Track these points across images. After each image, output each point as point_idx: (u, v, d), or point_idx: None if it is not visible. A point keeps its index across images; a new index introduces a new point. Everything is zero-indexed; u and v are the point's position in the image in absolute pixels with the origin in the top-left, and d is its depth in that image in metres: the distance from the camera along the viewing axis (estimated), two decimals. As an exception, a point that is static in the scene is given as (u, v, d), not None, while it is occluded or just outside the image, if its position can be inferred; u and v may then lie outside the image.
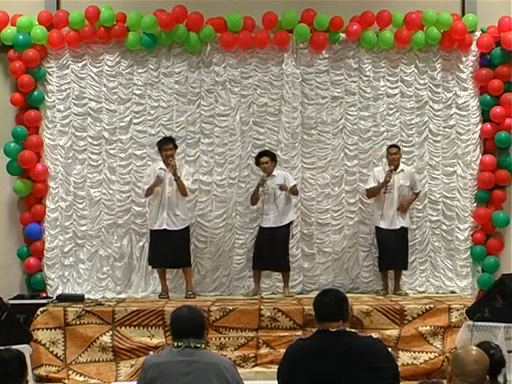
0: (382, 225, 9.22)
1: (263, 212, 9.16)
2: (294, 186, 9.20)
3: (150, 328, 8.04)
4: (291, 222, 9.23)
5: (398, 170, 9.24)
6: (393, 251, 9.14)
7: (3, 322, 7.01)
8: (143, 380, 4.25)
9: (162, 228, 8.96)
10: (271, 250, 9.01)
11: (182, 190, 8.99)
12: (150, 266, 9.53)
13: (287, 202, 9.16)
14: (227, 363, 4.30)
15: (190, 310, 4.35)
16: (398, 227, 9.21)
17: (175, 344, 4.26)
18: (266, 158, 9.15)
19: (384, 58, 9.85)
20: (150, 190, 9.00)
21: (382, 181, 9.16)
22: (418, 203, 9.74)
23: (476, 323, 7.19)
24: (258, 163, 9.25)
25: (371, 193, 9.30)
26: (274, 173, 9.18)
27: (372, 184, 9.27)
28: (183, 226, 9.08)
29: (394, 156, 9.24)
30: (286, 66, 9.72)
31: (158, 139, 9.32)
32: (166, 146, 9.01)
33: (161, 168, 9.03)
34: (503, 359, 4.42)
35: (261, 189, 9.10)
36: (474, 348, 3.87)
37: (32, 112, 9.59)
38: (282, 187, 9.02)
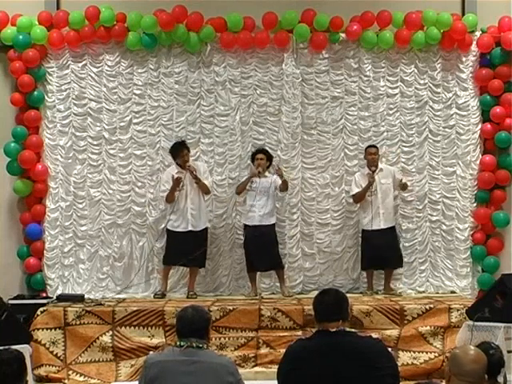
0: (369, 227, 9.28)
1: (248, 208, 9.18)
2: (284, 183, 9.19)
3: (150, 328, 8.05)
4: (275, 224, 9.27)
5: (377, 171, 9.28)
6: (381, 251, 9.14)
7: (3, 322, 7.01)
8: (144, 378, 4.26)
9: (188, 230, 9.00)
10: (261, 251, 9.02)
11: (205, 189, 9.11)
12: (150, 266, 9.54)
13: (270, 206, 9.19)
14: (228, 363, 4.32)
15: (194, 311, 4.37)
16: (385, 227, 9.25)
17: (177, 343, 4.28)
18: (261, 155, 9.25)
19: (384, 58, 9.85)
20: (172, 195, 9.02)
21: (364, 185, 9.25)
22: (417, 203, 9.76)
23: (476, 323, 7.19)
24: (253, 159, 9.32)
25: (358, 198, 9.37)
26: (268, 175, 9.24)
27: (356, 190, 9.36)
28: (204, 226, 9.15)
29: (373, 156, 9.32)
30: (286, 66, 9.72)
31: (165, 139, 9.43)
32: (182, 152, 9.07)
33: (178, 172, 9.04)
34: (503, 359, 4.42)
35: (249, 184, 9.12)
36: (472, 347, 3.87)
37: (32, 112, 9.59)
38: (277, 171, 9.08)
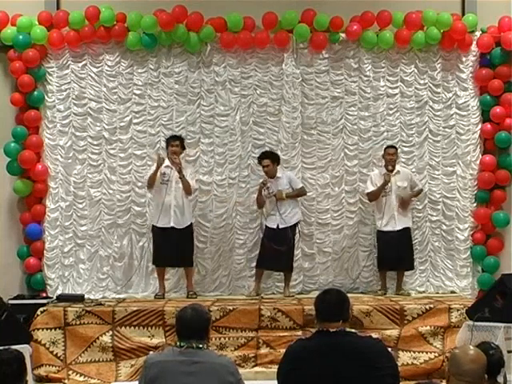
0: (383, 227, 9.26)
1: (269, 212, 9.17)
2: (302, 187, 9.27)
3: (150, 328, 8.04)
4: (297, 223, 9.24)
5: (394, 172, 9.27)
6: (396, 252, 9.14)
7: (3, 322, 7.01)
8: (144, 378, 4.26)
9: (170, 226, 8.97)
10: (276, 251, 8.98)
11: (187, 189, 9.02)
12: (150, 266, 9.54)
13: (292, 204, 9.18)
14: (229, 363, 4.31)
15: (193, 312, 4.35)
16: (399, 228, 9.23)
17: (178, 343, 4.27)
18: (267, 161, 9.13)
19: (384, 58, 9.85)
20: (154, 176, 8.97)
21: (379, 184, 9.22)
22: (417, 203, 9.75)
23: (476, 323, 7.19)
24: (260, 164, 9.26)
25: (373, 196, 9.32)
26: (279, 174, 9.18)
27: (371, 188, 9.32)
28: (187, 224, 9.10)
29: (391, 157, 9.29)
30: (286, 66, 9.72)
31: (165, 138, 9.40)
32: (173, 142, 9.06)
33: (167, 166, 9.03)
34: (502, 360, 4.42)
35: (264, 192, 9.10)
36: (471, 347, 3.87)
37: (32, 112, 9.59)
38: (276, 195, 9.05)
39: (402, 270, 9.41)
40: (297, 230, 9.25)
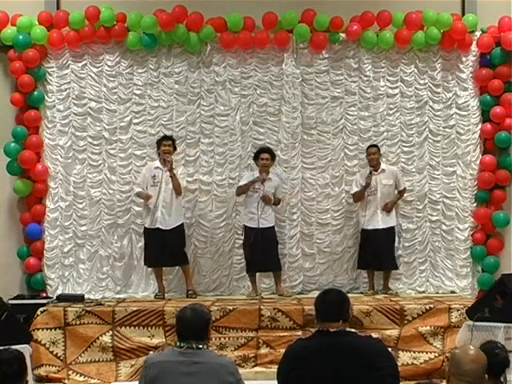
0: (367, 226, 9.27)
1: (249, 210, 9.16)
2: (278, 199, 9.27)
3: (150, 328, 8.05)
4: (274, 226, 9.27)
5: (378, 171, 9.28)
6: (379, 251, 9.16)
7: (3, 322, 7.01)
8: (144, 378, 4.26)
9: (156, 227, 8.98)
10: (260, 252, 9.00)
11: (177, 188, 9.04)
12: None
13: (271, 208, 9.21)
14: (228, 364, 4.31)
15: (193, 312, 4.34)
16: (384, 227, 9.24)
17: (178, 344, 4.27)
18: (267, 155, 9.17)
19: (384, 58, 9.85)
20: (139, 196, 9.18)
21: (364, 184, 9.26)
22: (418, 203, 9.76)
23: (476, 323, 7.19)
24: (256, 158, 9.25)
25: (356, 197, 9.39)
26: (271, 176, 9.21)
27: (355, 189, 9.38)
28: (176, 225, 9.08)
29: (372, 156, 9.31)
30: (286, 66, 9.72)
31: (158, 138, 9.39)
32: (165, 141, 9.11)
33: (157, 167, 9.07)
34: (508, 359, 4.40)
35: (255, 186, 9.10)
36: (472, 347, 3.87)
37: (32, 112, 9.59)
38: (264, 198, 9.07)
39: (382, 269, 9.40)
40: (276, 231, 9.28)
